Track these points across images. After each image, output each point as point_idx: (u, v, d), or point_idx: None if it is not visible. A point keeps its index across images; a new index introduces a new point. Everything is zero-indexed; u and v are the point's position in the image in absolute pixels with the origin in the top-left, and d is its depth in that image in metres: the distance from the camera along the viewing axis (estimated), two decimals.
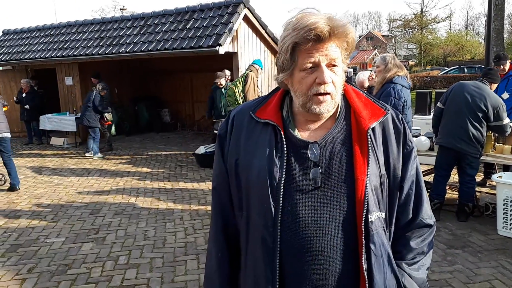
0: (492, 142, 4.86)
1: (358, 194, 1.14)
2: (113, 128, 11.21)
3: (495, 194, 4.51)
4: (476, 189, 4.93)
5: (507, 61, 5.97)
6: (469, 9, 77.11)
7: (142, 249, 4.22)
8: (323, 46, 1.11)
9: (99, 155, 8.92)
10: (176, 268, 3.78)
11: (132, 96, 12.57)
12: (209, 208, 5.39)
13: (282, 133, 1.19)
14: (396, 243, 1.29)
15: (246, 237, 1.25)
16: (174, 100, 12.79)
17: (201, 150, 7.85)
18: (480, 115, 4.43)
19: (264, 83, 9.45)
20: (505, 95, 5.91)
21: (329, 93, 1.14)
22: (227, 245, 1.32)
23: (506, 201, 4.19)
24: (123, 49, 9.30)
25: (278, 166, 1.16)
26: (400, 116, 1.28)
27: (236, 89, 6.43)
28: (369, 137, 1.17)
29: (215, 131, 7.93)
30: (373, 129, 1.19)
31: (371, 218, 1.14)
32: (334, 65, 1.14)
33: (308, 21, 1.08)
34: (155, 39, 9.08)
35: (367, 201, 1.13)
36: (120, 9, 16.41)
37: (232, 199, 1.29)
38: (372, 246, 1.16)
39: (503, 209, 4.23)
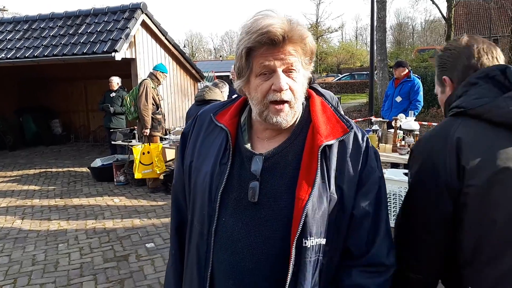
0: (377, 142, 5.33)
1: (295, 215, 1.02)
2: None
3: None
4: None
5: (398, 68, 6.45)
6: (358, 21, 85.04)
7: (30, 275, 3.82)
8: (278, 51, 1.03)
9: None
10: None
11: (17, 106, 11.33)
12: (107, 224, 5.11)
13: (231, 141, 1.13)
14: (341, 273, 1.12)
15: (188, 243, 1.22)
16: (66, 110, 11.81)
17: (97, 163, 7.36)
18: None
19: (166, 90, 9.23)
20: (398, 99, 6.46)
21: (286, 101, 1.06)
22: (179, 243, 1.30)
23: (389, 195, 4.63)
24: (3, 55, 8.37)
25: (220, 174, 1.11)
26: (366, 136, 1.16)
27: (129, 97, 6.18)
28: (319, 155, 1.05)
29: (112, 142, 7.53)
30: (329, 147, 1.08)
31: (306, 243, 1.02)
32: (292, 70, 1.06)
33: (260, 24, 1.01)
34: (42, 45, 8.33)
35: (304, 223, 1.01)
36: (0, 10, 14.71)
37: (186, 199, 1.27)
38: (301, 276, 1.02)
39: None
